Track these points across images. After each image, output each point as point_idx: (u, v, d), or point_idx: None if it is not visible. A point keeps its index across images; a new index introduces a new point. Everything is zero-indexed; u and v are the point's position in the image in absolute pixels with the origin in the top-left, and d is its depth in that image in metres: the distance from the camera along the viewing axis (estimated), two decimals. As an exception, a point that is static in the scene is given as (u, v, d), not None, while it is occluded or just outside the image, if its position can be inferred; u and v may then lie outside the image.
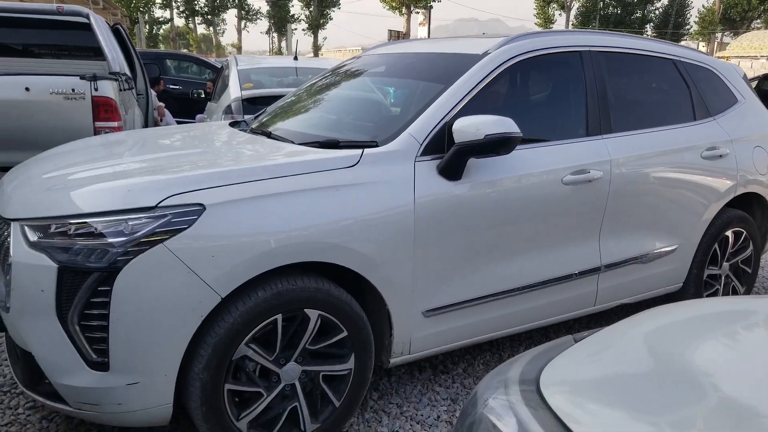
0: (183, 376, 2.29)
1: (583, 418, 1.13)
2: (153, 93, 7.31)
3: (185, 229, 2.17)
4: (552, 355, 1.36)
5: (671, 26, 49.66)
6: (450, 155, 2.66)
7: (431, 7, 43.27)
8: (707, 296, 3.93)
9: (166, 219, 2.17)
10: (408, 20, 43.91)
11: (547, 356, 1.36)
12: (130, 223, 2.16)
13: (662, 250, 3.54)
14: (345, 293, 2.52)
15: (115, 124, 4.57)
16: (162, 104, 8.42)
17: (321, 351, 2.53)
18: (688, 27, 52.29)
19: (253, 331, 2.32)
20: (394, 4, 45.10)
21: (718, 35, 50.40)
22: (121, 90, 4.88)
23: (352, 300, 2.54)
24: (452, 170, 2.69)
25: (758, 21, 47.54)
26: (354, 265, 2.48)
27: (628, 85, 3.56)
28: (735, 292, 4.07)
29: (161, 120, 8.12)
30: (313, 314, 2.43)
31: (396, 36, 34.92)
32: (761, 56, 30.99)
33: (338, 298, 2.47)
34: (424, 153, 2.69)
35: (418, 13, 38.63)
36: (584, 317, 3.95)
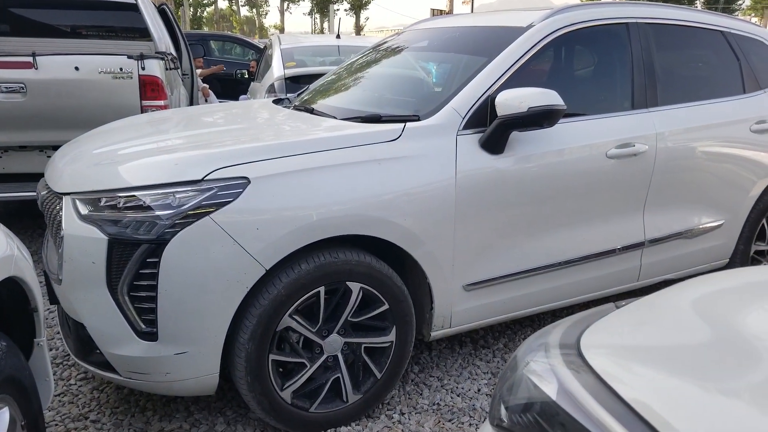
0: (229, 347, 2.35)
1: (627, 379, 1.10)
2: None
3: (230, 202, 2.21)
4: (593, 320, 1.34)
5: (722, 1, 47.86)
6: (492, 128, 2.64)
7: (474, -16, 42.47)
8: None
9: (212, 192, 2.21)
10: (451, -2, 43.24)
11: (588, 321, 1.34)
12: (177, 196, 2.21)
13: (708, 225, 3.46)
14: (386, 266, 2.54)
15: (161, 102, 4.65)
16: (206, 85, 8.53)
17: (363, 323, 2.56)
18: (740, 2, 50.34)
19: (296, 303, 2.36)
20: (436, -18, 44.41)
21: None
22: (167, 69, 4.96)
23: (393, 273, 2.56)
24: (494, 144, 2.68)
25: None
26: (395, 239, 2.50)
27: (675, 57, 3.46)
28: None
29: (206, 101, 8.23)
30: (354, 287, 2.46)
31: (439, 14, 34.47)
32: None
33: (379, 271, 2.49)
34: (466, 127, 2.68)
35: (461, -10, 38.04)
36: (627, 293, 3.89)
